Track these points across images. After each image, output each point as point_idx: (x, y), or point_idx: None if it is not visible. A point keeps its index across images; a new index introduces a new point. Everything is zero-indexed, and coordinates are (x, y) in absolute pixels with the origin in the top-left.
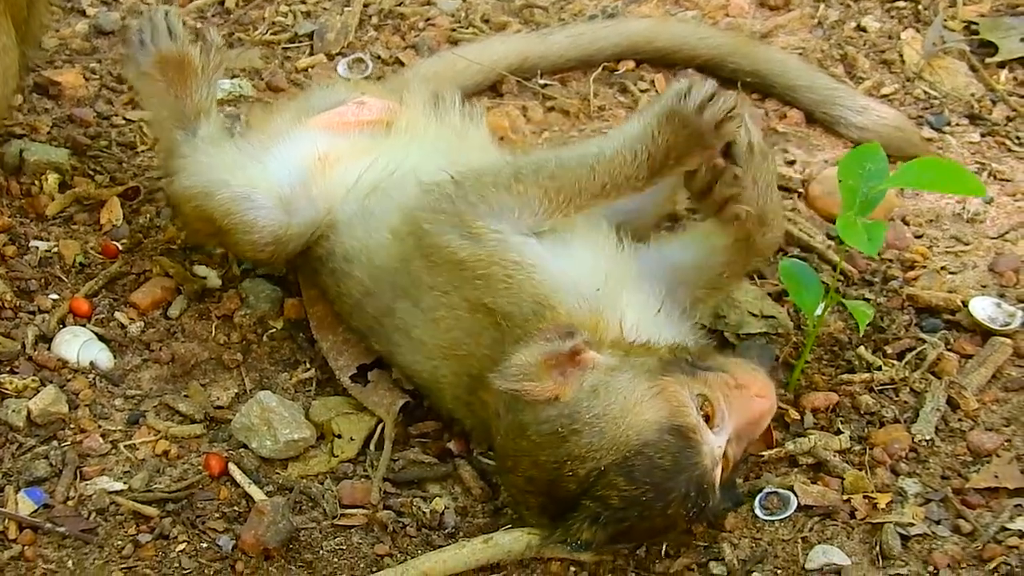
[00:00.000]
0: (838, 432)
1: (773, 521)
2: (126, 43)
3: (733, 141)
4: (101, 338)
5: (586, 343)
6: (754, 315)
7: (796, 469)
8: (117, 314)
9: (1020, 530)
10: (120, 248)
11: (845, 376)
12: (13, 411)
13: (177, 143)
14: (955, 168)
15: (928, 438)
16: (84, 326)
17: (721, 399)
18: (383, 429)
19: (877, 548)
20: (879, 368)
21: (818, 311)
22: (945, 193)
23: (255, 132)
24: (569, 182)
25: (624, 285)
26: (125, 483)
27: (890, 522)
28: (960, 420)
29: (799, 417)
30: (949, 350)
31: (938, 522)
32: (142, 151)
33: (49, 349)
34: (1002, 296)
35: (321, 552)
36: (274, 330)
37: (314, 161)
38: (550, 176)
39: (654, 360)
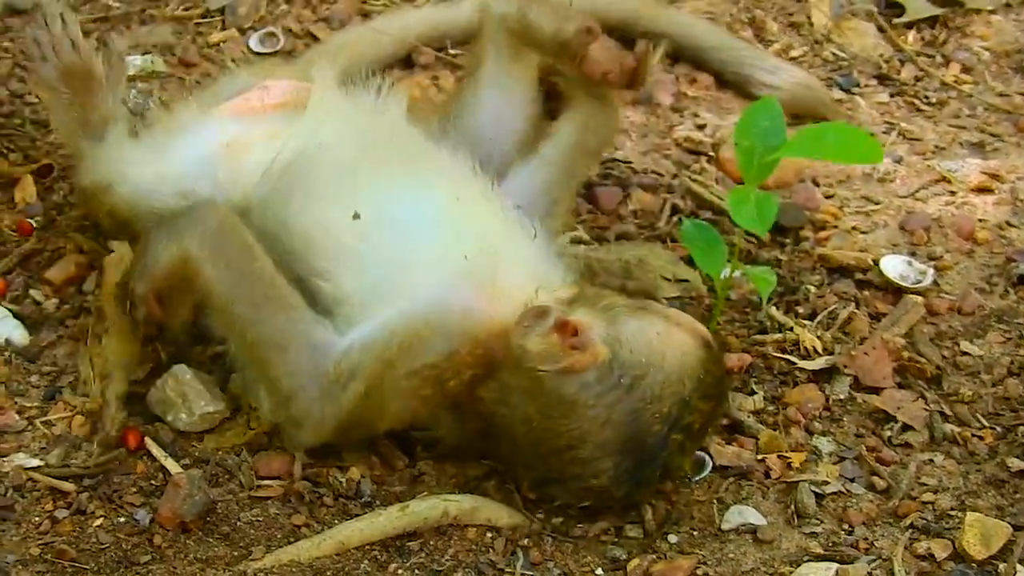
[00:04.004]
0: (752, 393)
1: (688, 483)
2: (27, 54)
3: None
4: (16, 315)
5: (562, 312)
6: (667, 279)
7: (711, 430)
8: (32, 291)
9: (935, 485)
10: (34, 225)
11: (758, 337)
12: None
13: (84, 150)
14: (853, 132)
15: (841, 397)
16: None
17: None
18: None
19: (792, 507)
20: (791, 329)
21: (724, 273)
22: (840, 163)
23: (160, 127)
24: None
25: (519, 244)
26: (42, 459)
27: (805, 481)
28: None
29: None
30: (861, 308)
31: (852, 480)
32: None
33: None
34: (913, 254)
35: (238, 523)
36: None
37: (220, 148)
38: None
39: (624, 299)
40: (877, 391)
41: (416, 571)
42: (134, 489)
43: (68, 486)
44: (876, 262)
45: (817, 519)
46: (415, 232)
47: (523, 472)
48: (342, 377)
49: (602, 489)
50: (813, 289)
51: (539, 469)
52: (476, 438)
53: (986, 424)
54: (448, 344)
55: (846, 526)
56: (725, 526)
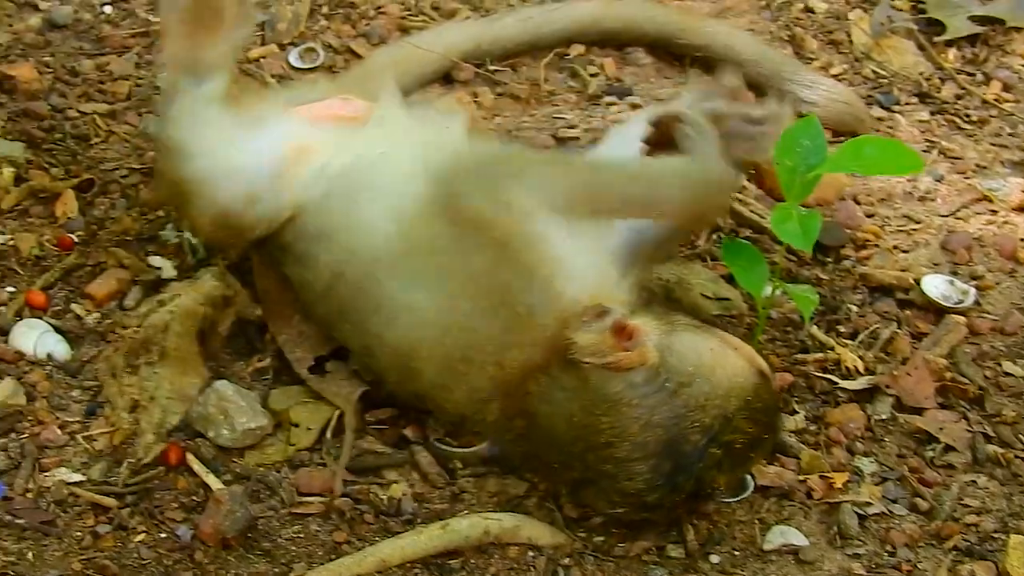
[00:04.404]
0: (793, 412)
1: (730, 503)
2: None
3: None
4: (58, 330)
5: (623, 315)
6: (707, 297)
7: (755, 456)
8: (73, 305)
9: (978, 507)
10: (75, 240)
11: (799, 356)
12: None
13: (178, 90)
14: (891, 145)
15: (883, 417)
16: (40, 318)
17: None
18: (340, 416)
19: (835, 528)
20: (832, 348)
21: (766, 292)
22: (883, 175)
23: (246, 108)
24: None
25: (613, 256)
26: (83, 474)
27: (847, 502)
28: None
29: None
30: (903, 328)
31: (895, 501)
32: (96, 143)
33: (6, 342)
34: (954, 274)
35: (279, 540)
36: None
37: (290, 150)
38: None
39: (688, 318)
40: (919, 411)
41: None
42: (175, 505)
43: (110, 501)
44: (917, 281)
45: (860, 540)
46: None
47: (559, 474)
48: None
49: (635, 493)
50: (854, 308)
51: (576, 468)
52: (517, 439)
53: None
54: (540, 307)
55: (889, 548)
56: (767, 547)
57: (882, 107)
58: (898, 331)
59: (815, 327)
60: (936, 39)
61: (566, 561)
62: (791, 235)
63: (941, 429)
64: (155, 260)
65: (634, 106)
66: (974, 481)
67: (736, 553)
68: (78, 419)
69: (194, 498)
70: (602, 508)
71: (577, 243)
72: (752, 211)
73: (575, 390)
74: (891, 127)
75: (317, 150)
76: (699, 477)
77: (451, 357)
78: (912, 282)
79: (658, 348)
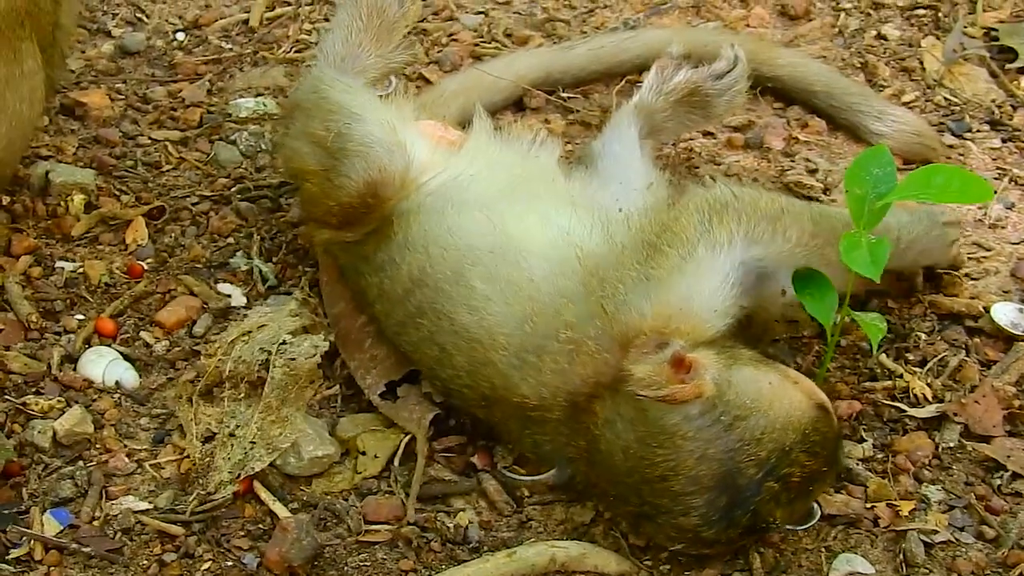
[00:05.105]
0: (861, 440)
1: (796, 530)
2: None
3: None
4: (126, 357)
5: (682, 347)
6: (776, 320)
7: (815, 490)
8: (142, 333)
9: None
10: (145, 267)
11: (867, 384)
12: (39, 432)
13: (325, 73)
14: (961, 174)
15: (951, 445)
16: (109, 346)
17: None
18: (407, 444)
19: (901, 556)
20: (901, 376)
21: (835, 319)
22: (949, 203)
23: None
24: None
25: (726, 292)
26: (150, 502)
27: (913, 529)
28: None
29: None
30: (972, 356)
31: (962, 529)
32: (167, 170)
33: (75, 369)
34: None
35: (346, 568)
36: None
37: (425, 160)
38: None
39: (751, 352)
40: (987, 439)
41: None
42: (242, 533)
43: (176, 529)
44: (987, 309)
45: (926, 568)
46: None
47: (617, 506)
48: None
49: (692, 528)
50: (923, 336)
51: (632, 502)
52: (579, 462)
53: None
54: (632, 304)
55: None
56: (833, 575)
57: (953, 134)
58: (967, 359)
59: (883, 355)
60: (1008, 66)
61: None
62: (860, 263)
63: (1009, 457)
64: (225, 287)
65: (706, 133)
66: None
67: None
68: (146, 447)
69: (261, 526)
70: (662, 543)
71: (707, 271)
72: None
73: (632, 420)
74: (962, 155)
75: (431, 167)
76: (756, 511)
77: (525, 347)
78: (981, 310)
79: (716, 382)
